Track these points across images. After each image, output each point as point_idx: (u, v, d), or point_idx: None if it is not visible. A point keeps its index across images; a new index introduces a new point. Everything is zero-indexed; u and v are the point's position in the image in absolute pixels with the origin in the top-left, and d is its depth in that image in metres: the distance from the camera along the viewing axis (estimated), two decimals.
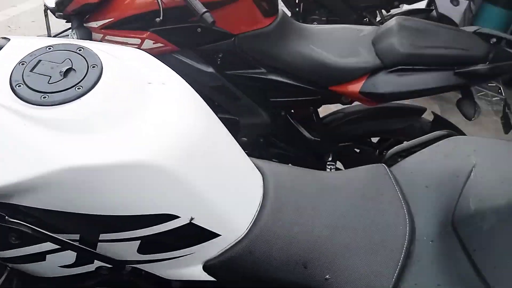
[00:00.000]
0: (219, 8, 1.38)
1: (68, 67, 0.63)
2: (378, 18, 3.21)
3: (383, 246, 0.70)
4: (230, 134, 0.78)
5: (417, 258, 0.68)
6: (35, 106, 0.59)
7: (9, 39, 0.69)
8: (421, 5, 3.20)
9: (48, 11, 1.50)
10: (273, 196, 0.75)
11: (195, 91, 0.75)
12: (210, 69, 1.53)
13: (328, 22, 3.19)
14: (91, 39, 1.45)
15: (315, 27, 1.65)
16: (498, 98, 1.53)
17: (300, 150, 1.79)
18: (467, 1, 3.16)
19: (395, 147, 0.93)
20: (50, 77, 0.62)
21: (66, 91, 0.60)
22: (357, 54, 1.47)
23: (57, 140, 0.57)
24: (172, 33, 1.43)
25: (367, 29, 1.59)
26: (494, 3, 3.67)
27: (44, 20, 1.57)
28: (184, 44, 1.48)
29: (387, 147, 1.81)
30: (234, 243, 0.69)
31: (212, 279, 0.70)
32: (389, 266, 0.67)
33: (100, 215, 0.60)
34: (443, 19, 3.09)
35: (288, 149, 1.78)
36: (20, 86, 0.60)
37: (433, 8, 3.10)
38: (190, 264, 0.70)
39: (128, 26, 1.43)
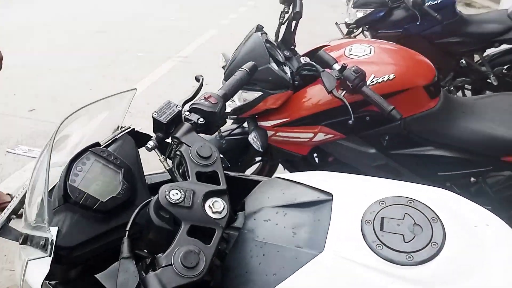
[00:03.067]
0: (392, 97, 1.45)
1: (412, 223, 0.69)
2: (476, 59, 3.21)
3: None
4: None
5: None
6: (401, 266, 0.65)
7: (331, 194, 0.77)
8: None
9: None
10: None
11: None
12: (373, 150, 1.60)
13: None
14: (267, 137, 1.57)
15: (472, 98, 1.69)
16: None
17: None
18: None
19: None
20: (403, 235, 0.68)
21: (424, 249, 0.66)
22: None
23: None
24: (342, 124, 1.51)
25: None
26: None
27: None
28: (351, 131, 1.56)
29: None
30: None
31: None
32: None
33: None
34: None
35: None
36: (380, 246, 0.67)
37: None
38: None
39: (301, 123, 1.53)
